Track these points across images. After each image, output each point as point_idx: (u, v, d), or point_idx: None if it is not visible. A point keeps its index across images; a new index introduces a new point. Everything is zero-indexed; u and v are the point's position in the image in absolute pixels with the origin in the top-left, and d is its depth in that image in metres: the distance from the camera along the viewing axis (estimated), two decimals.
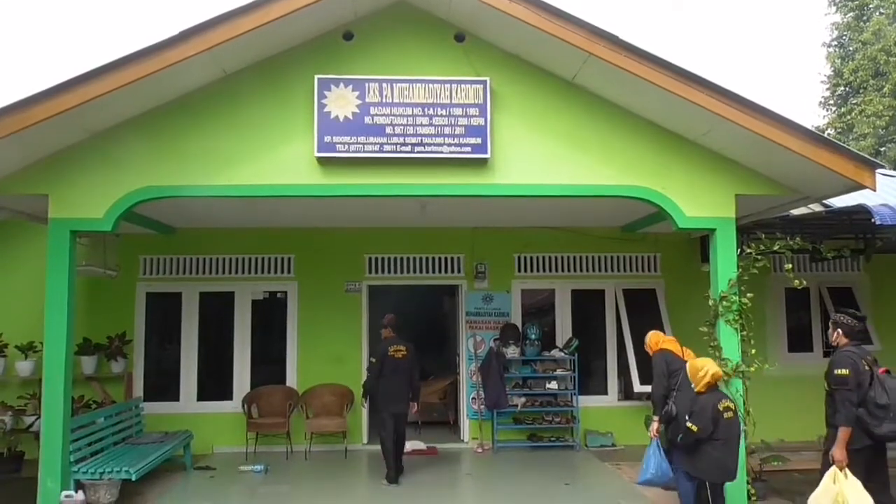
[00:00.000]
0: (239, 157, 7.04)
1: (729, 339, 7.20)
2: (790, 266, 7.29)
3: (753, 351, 7.19)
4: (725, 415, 5.56)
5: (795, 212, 8.59)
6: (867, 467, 5.45)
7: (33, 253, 9.25)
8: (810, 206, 8.66)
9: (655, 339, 7.35)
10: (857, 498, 5.09)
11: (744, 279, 7.27)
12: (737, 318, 7.19)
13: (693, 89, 6.57)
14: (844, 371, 5.43)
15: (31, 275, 9.23)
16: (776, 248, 7.35)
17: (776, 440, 8.88)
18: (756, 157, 7.19)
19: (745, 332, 7.25)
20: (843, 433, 5.36)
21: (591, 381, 10.53)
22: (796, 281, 7.21)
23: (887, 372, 5.54)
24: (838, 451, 5.35)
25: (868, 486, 5.28)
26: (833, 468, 5.37)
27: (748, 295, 7.21)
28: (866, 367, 5.50)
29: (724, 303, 7.19)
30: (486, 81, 7.09)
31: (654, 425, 6.81)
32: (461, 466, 9.30)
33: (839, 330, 5.82)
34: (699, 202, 7.32)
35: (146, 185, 6.97)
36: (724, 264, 7.29)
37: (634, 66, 6.58)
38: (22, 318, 9.39)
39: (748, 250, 7.34)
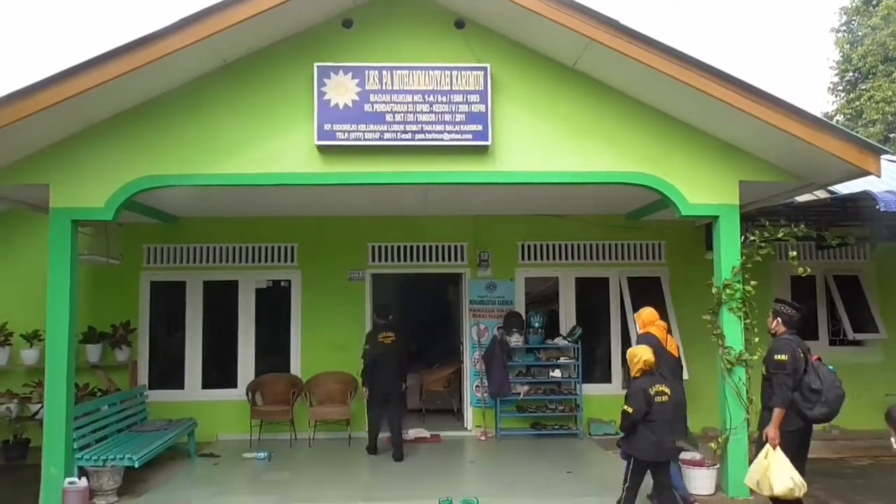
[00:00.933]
0: (239, 146, 7.05)
1: (732, 327, 7.17)
2: (794, 253, 7.24)
3: (757, 339, 7.15)
4: (658, 398, 5.86)
5: (800, 199, 8.53)
6: (797, 448, 5.77)
7: (37, 242, 9.27)
8: (815, 192, 8.60)
9: (649, 318, 6.93)
10: (781, 470, 5.47)
11: (747, 267, 7.23)
12: (740, 305, 7.16)
13: (696, 75, 6.52)
14: (783, 357, 5.71)
15: (35, 264, 9.22)
16: (780, 235, 7.31)
17: None
18: (760, 144, 7.13)
19: (748, 321, 7.22)
20: (777, 414, 5.65)
21: (594, 369, 10.48)
22: (801, 269, 7.18)
23: (819, 360, 5.84)
24: (772, 430, 5.65)
25: (794, 464, 5.62)
26: (767, 446, 5.68)
27: (752, 283, 7.17)
28: (802, 355, 5.78)
29: (728, 291, 7.16)
30: (486, 68, 7.06)
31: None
32: (465, 454, 9.30)
33: (778, 318, 6.04)
34: (702, 189, 7.28)
35: (146, 174, 6.99)
36: (728, 252, 7.25)
37: (636, 52, 6.53)
38: (27, 306, 9.43)
39: (752, 237, 7.30)
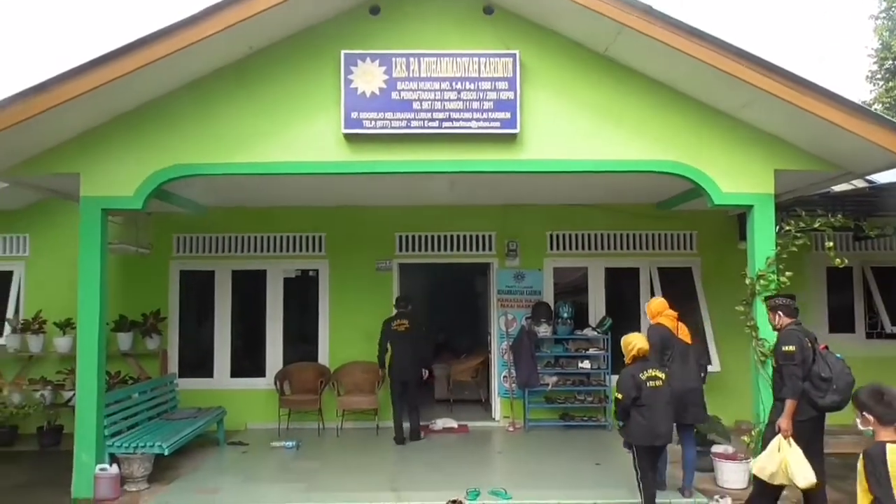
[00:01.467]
0: (266, 135, 7.04)
1: (766, 318, 6.98)
2: (831, 244, 7.06)
3: None
4: (649, 383, 6.05)
5: (837, 188, 8.32)
6: (810, 437, 5.75)
7: (69, 232, 9.36)
8: (852, 182, 8.39)
9: (658, 309, 6.98)
10: (799, 465, 5.39)
11: (782, 257, 7.06)
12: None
13: (731, 61, 6.34)
14: (791, 347, 5.70)
15: (68, 253, 9.35)
16: (816, 225, 7.13)
17: None
18: (797, 132, 6.93)
19: None
20: (790, 405, 5.64)
21: (623, 360, 10.32)
22: (837, 260, 7.00)
23: (826, 348, 5.86)
24: (784, 422, 5.63)
25: (808, 454, 5.57)
26: (778, 437, 5.63)
27: (787, 273, 7.00)
28: (809, 344, 5.77)
29: (762, 281, 6.99)
30: (515, 54, 6.95)
31: None
32: (492, 445, 9.25)
33: (779, 312, 6.05)
34: (736, 178, 7.11)
35: (174, 163, 7.01)
36: (762, 242, 7.08)
37: (670, 38, 6.38)
38: (60, 295, 9.54)
39: (787, 227, 7.12)
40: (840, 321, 10.43)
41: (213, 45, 6.46)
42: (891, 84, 24.57)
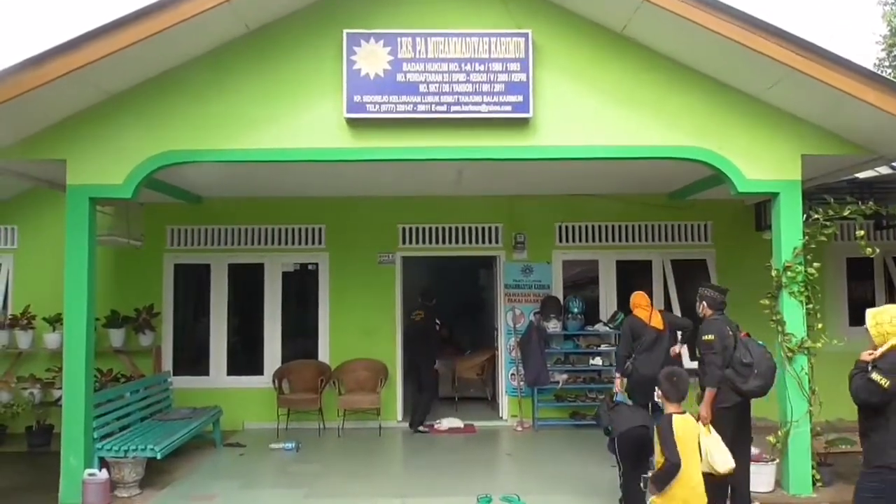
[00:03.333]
0: (263, 120, 6.70)
1: (793, 312, 6.66)
2: (862, 232, 6.74)
3: (820, 325, 6.64)
4: None
5: (861, 175, 7.98)
6: (736, 423, 5.83)
7: (61, 222, 9.00)
8: (877, 169, 8.04)
9: (637, 301, 7.50)
10: (718, 451, 5.33)
11: (810, 248, 6.69)
12: (802, 289, 6.65)
13: (760, 38, 5.96)
14: (710, 337, 5.86)
15: (58, 245, 8.96)
16: (846, 213, 6.76)
17: (835, 419, 8.31)
18: (825, 113, 6.57)
19: (810, 305, 6.69)
20: (709, 393, 5.76)
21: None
22: (868, 249, 6.68)
23: (748, 335, 6.01)
24: (704, 409, 5.73)
25: (736, 440, 5.66)
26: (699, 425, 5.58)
27: (815, 264, 6.64)
28: (730, 332, 5.92)
29: (789, 273, 6.64)
30: (527, 34, 6.58)
31: (617, 381, 7.37)
32: (501, 446, 8.94)
33: (704, 302, 6.20)
34: (761, 163, 6.75)
35: (166, 149, 6.65)
36: (789, 231, 6.72)
37: (692, 13, 6.01)
38: (50, 289, 9.09)
39: (815, 216, 6.76)
40: (860, 314, 10.03)
41: (207, 22, 6.08)
42: None
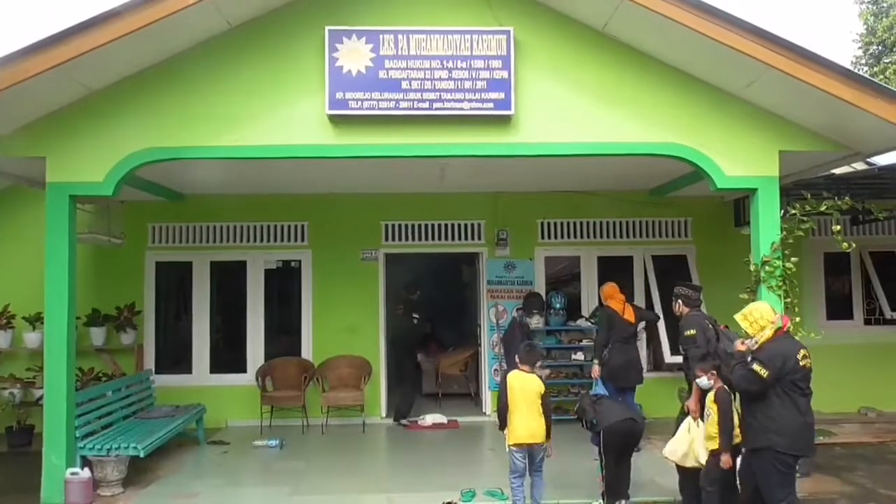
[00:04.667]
0: (246, 116, 6.67)
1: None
2: (839, 227, 6.85)
3: (798, 319, 6.72)
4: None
5: (838, 171, 8.07)
6: None
7: (41, 220, 8.92)
8: (853, 165, 8.15)
9: (609, 293, 8.14)
10: (703, 446, 5.41)
11: (788, 242, 6.79)
12: (780, 284, 6.73)
13: (738, 35, 6.03)
14: (692, 332, 6.14)
15: (37, 244, 8.88)
16: (823, 208, 6.86)
17: (814, 411, 8.44)
18: (803, 111, 6.66)
19: (788, 299, 6.78)
20: (696, 386, 5.74)
21: None
22: (845, 244, 6.79)
23: (727, 328, 6.29)
24: (692, 402, 5.74)
25: None
26: (688, 418, 5.75)
27: (792, 259, 6.73)
28: (710, 326, 6.23)
29: (767, 268, 6.72)
30: (509, 32, 6.60)
31: (595, 368, 7.90)
32: (484, 441, 8.98)
33: (680, 301, 6.56)
34: (740, 160, 6.83)
35: (148, 146, 6.61)
36: (767, 227, 6.81)
37: (671, 11, 6.07)
38: (29, 288, 9.00)
39: (793, 211, 6.85)
40: (838, 308, 10.25)
41: (188, 18, 6.05)
42: (876, 69, 24.52)
